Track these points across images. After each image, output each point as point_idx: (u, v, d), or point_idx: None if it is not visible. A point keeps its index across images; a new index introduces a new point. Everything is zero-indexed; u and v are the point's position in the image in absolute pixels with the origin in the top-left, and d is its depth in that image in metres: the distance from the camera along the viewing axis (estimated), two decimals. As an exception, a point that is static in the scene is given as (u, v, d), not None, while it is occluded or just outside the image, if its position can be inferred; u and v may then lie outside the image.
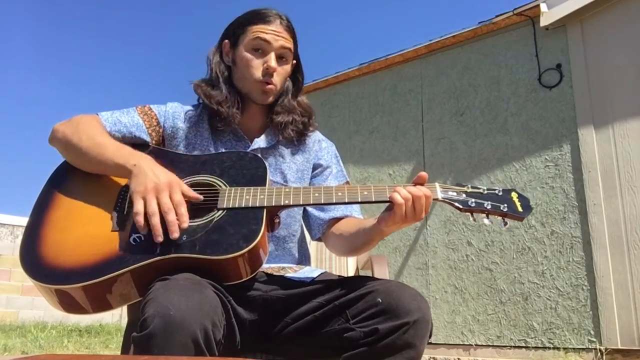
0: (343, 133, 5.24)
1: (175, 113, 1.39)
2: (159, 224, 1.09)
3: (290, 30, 1.39)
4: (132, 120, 1.34)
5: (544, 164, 4.04)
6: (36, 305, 6.25)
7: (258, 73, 1.34)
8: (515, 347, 3.90)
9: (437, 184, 1.20)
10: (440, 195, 1.18)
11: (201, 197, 1.18)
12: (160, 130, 1.37)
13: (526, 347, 3.85)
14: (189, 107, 1.43)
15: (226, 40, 1.41)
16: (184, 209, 1.11)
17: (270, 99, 1.38)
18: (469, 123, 4.49)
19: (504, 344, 3.95)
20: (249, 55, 1.35)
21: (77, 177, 1.27)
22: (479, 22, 4.45)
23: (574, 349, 3.66)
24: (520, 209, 1.18)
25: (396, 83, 5.04)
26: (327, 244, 1.44)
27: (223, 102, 1.34)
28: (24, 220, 6.80)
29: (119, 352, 1.41)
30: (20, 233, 6.85)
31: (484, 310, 4.11)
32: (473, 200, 1.17)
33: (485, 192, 1.19)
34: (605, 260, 3.63)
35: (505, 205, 1.17)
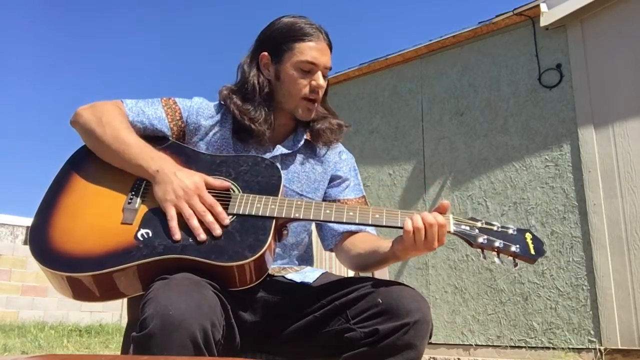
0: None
1: (200, 109, 1.37)
2: (198, 224, 1.11)
3: (331, 45, 1.38)
4: (155, 112, 1.33)
5: (544, 164, 4.04)
6: (36, 305, 6.25)
7: (306, 90, 1.33)
8: (515, 347, 3.90)
9: (451, 216, 1.17)
10: (452, 229, 1.16)
11: (229, 184, 1.19)
12: (183, 125, 1.35)
13: (526, 347, 3.85)
14: (215, 104, 1.41)
15: (265, 53, 1.37)
16: (219, 208, 1.14)
17: (312, 115, 1.37)
18: (469, 123, 4.49)
19: (504, 344, 3.95)
20: (296, 74, 1.33)
21: (94, 163, 1.27)
22: (479, 22, 4.45)
23: (574, 349, 3.66)
24: (532, 251, 1.14)
25: (396, 83, 5.04)
26: (338, 256, 1.43)
27: (255, 119, 1.32)
28: (23, 220, 6.80)
29: (119, 352, 1.41)
30: (20, 233, 6.85)
31: (484, 310, 4.11)
32: (485, 237, 1.14)
33: (499, 229, 1.16)
34: (605, 260, 3.63)
35: (518, 246, 1.14)
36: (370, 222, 1.17)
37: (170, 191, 1.14)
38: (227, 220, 1.13)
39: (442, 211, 1.16)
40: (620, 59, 3.84)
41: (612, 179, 3.71)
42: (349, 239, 1.37)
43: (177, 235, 1.10)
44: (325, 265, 2.20)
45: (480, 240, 1.14)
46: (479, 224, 1.17)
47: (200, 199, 1.14)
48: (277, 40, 1.36)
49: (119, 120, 1.28)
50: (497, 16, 4.33)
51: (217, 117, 1.38)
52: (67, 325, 5.84)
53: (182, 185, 1.14)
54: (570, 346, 3.66)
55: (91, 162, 1.28)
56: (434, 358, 4.19)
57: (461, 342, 4.17)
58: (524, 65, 4.26)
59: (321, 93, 1.37)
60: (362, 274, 1.44)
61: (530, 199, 4.03)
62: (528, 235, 1.17)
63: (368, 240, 1.33)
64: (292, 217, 1.17)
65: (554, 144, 4.02)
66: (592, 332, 3.61)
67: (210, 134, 1.36)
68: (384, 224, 1.16)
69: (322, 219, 1.18)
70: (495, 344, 4.00)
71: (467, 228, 1.16)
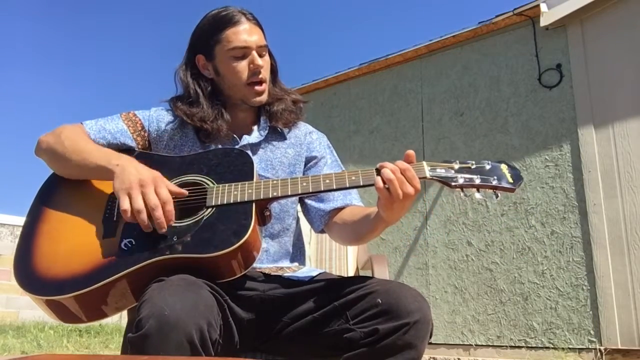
0: (343, 133, 5.24)
1: (159, 117, 1.39)
2: (147, 220, 1.09)
3: (258, 23, 1.38)
4: (116, 126, 1.34)
5: (544, 164, 4.03)
6: (36, 305, 6.24)
7: (245, 75, 1.34)
8: (515, 347, 3.90)
9: (424, 163, 1.17)
10: (428, 174, 1.15)
11: (186, 192, 1.17)
12: (146, 134, 1.37)
13: (526, 347, 3.85)
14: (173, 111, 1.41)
15: (199, 55, 1.38)
16: (170, 206, 1.11)
17: (264, 97, 1.37)
18: (469, 123, 4.49)
19: (504, 344, 3.95)
20: (232, 62, 1.33)
21: (65, 187, 1.28)
22: (479, 22, 4.45)
23: (574, 349, 3.66)
24: (511, 180, 1.15)
25: (396, 83, 5.04)
26: (331, 234, 1.42)
27: (206, 118, 1.33)
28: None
29: (118, 352, 1.41)
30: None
31: (484, 310, 4.11)
32: (462, 176, 1.15)
33: (474, 166, 1.16)
34: (605, 260, 3.63)
35: (495, 177, 1.15)
36: (347, 185, 1.17)
37: (125, 180, 1.13)
38: (173, 222, 1.11)
39: (409, 160, 1.15)
40: (620, 59, 3.84)
41: (612, 179, 3.71)
42: (338, 215, 1.37)
43: (135, 225, 1.10)
44: (325, 265, 2.20)
45: (459, 180, 1.14)
46: (454, 165, 1.17)
47: (156, 189, 1.12)
48: (204, 39, 1.37)
49: (79, 135, 1.29)
50: (497, 16, 4.33)
51: (179, 121, 1.38)
52: (66, 326, 5.84)
53: (139, 176, 1.13)
54: (570, 346, 3.66)
55: (62, 188, 1.28)
56: (434, 358, 4.19)
57: (461, 342, 4.17)
58: (524, 65, 4.26)
59: (264, 73, 1.36)
60: (361, 273, 1.44)
61: (530, 199, 4.03)
62: (504, 167, 1.18)
63: (357, 212, 1.33)
64: (270, 196, 1.17)
65: (554, 144, 4.02)
66: (592, 332, 3.60)
67: (176, 138, 1.37)
68: (361, 184, 1.16)
69: (300, 192, 1.18)
70: (495, 344, 4.00)
71: (443, 171, 1.16)
